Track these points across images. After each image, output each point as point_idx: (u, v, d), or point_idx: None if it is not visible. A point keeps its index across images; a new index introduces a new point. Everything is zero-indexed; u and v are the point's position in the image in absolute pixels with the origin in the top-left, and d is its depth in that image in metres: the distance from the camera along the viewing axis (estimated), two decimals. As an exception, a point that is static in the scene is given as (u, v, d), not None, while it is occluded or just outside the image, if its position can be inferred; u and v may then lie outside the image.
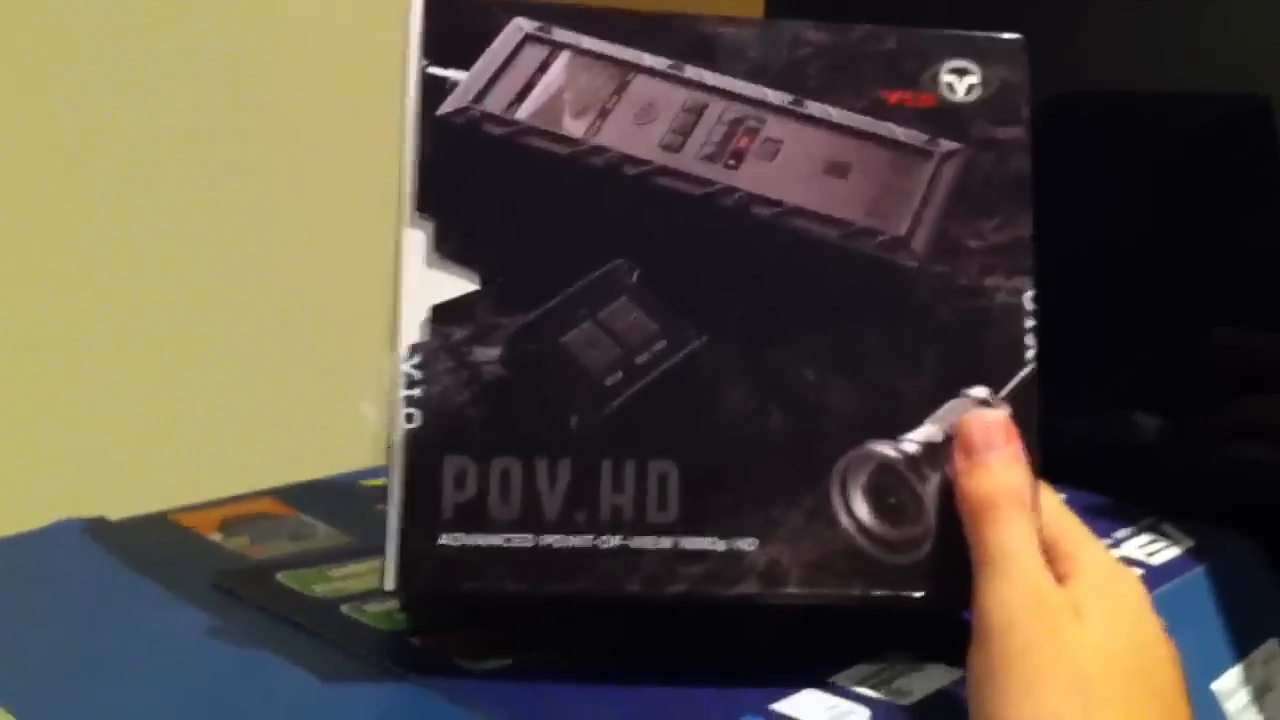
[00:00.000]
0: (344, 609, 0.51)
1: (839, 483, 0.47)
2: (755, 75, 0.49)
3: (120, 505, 0.56)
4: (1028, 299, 0.48)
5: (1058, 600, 0.43)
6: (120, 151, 0.74)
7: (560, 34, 0.48)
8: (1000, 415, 0.46)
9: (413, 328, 0.46)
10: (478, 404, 0.45)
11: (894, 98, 0.49)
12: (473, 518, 0.45)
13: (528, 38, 0.48)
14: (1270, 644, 0.57)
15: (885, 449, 0.47)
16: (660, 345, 0.47)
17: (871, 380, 0.47)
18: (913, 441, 0.47)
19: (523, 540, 0.45)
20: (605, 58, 0.48)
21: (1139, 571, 0.57)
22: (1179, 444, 0.68)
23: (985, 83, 0.49)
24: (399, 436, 0.45)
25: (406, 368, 0.45)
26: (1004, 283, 0.48)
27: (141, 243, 0.74)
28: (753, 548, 0.46)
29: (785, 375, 0.47)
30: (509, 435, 0.45)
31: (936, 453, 0.47)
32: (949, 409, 0.47)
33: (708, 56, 0.49)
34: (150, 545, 0.55)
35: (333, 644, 0.48)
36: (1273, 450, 0.65)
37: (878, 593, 0.46)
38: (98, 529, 0.55)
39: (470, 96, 0.47)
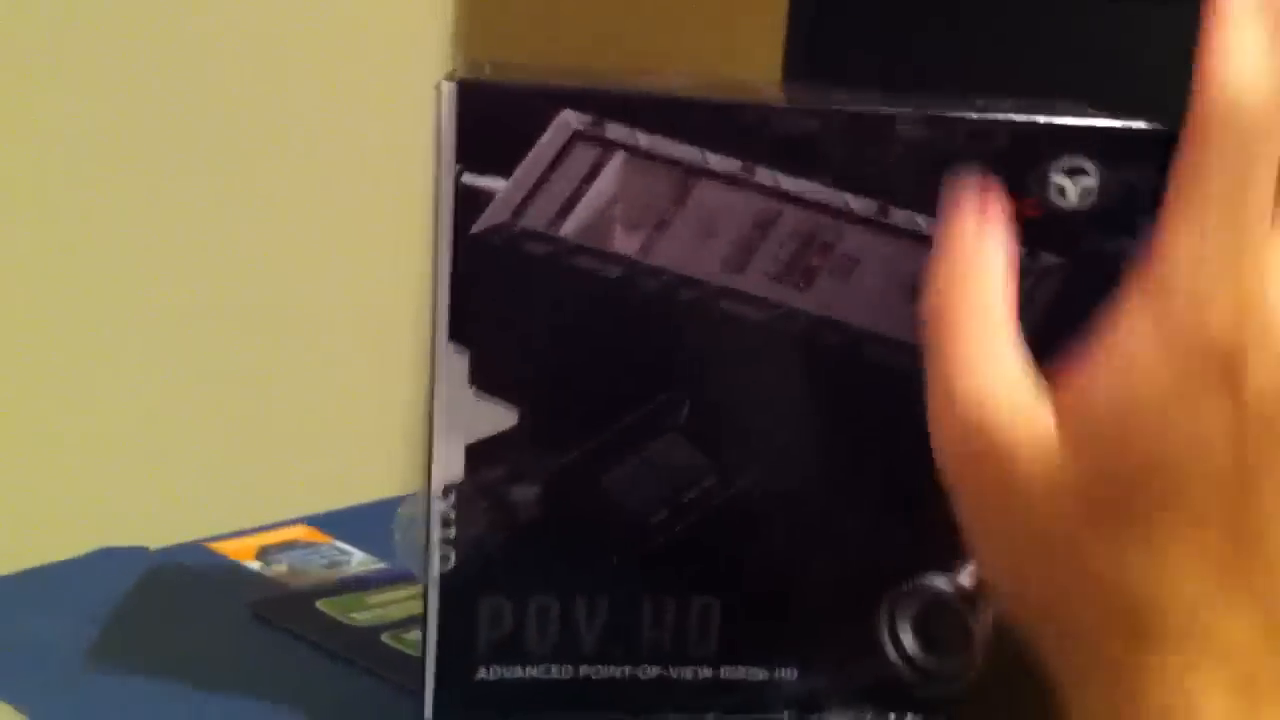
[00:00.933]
0: (384, 637, 0.51)
1: (887, 615, 0.46)
2: (837, 178, 0.42)
3: (158, 534, 0.55)
4: (1112, 431, 0.45)
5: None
6: (165, 178, 0.67)
7: (614, 130, 0.42)
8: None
9: (447, 466, 0.43)
10: (515, 545, 0.44)
11: (995, 205, 0.43)
12: (509, 652, 0.45)
13: (576, 135, 0.42)
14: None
15: (939, 583, 0.45)
16: (709, 482, 0.44)
17: (926, 514, 0.45)
18: (968, 575, 0.45)
19: (560, 672, 0.45)
20: (665, 160, 0.42)
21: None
22: None
23: (1103, 186, 0.43)
24: (434, 576, 0.44)
25: (441, 508, 0.43)
26: (1089, 415, 0.44)
27: (181, 271, 0.69)
28: (793, 677, 0.46)
29: (838, 512, 0.45)
30: (547, 575, 0.44)
31: (989, 586, 0.46)
32: None
33: (783, 155, 0.42)
34: (189, 573, 0.55)
35: (373, 673, 0.49)
36: None
37: (916, 718, 0.46)
38: (137, 557, 0.55)
39: (510, 211, 0.42)
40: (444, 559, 0.44)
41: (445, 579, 0.44)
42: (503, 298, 0.42)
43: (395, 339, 0.78)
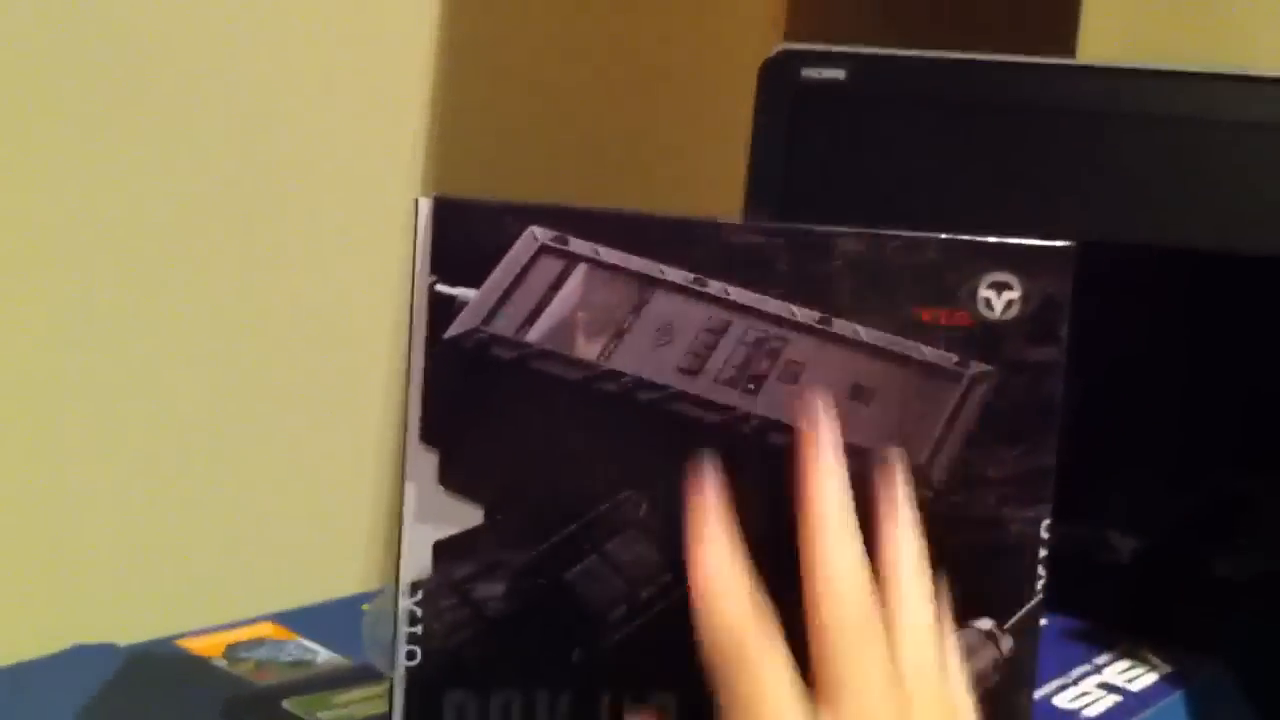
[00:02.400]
0: (347, 737, 0.52)
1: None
2: (783, 290, 0.46)
3: (126, 630, 0.56)
4: (1043, 528, 0.47)
5: None
6: (116, 251, 0.70)
7: (576, 245, 0.45)
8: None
9: (415, 563, 0.45)
10: (479, 641, 0.45)
11: (928, 315, 0.46)
12: None
13: (543, 249, 0.45)
14: (1249, 769, 0.60)
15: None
16: (665, 578, 0.46)
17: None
18: (912, 671, 0.47)
19: None
20: (624, 271, 0.45)
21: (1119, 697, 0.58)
22: (1156, 564, 0.69)
23: (1025, 298, 0.47)
24: (400, 673, 0.45)
25: (408, 604, 0.45)
26: (1020, 513, 0.47)
27: (150, 365, 0.71)
28: (747, 774, 0.47)
29: (792, 607, 0.46)
30: (510, 669, 0.46)
31: (935, 680, 0.47)
32: (953, 641, 0.47)
33: (734, 268, 0.46)
34: (158, 671, 0.56)
35: None
36: (1256, 573, 0.66)
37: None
38: (106, 654, 0.56)
39: (480, 318, 0.45)
40: (410, 654, 0.45)
41: (411, 674, 0.45)
42: (471, 400, 0.44)
43: (361, 440, 0.79)
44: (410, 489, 0.44)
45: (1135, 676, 0.60)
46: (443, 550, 0.45)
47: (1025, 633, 0.48)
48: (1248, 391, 0.68)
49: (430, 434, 0.44)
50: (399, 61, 0.80)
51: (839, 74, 0.62)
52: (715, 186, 0.75)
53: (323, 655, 0.58)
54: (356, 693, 0.54)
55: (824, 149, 0.65)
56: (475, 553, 0.45)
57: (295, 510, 0.77)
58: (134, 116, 0.69)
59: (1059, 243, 0.47)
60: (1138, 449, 0.69)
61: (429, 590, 0.45)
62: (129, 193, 0.69)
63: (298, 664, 0.57)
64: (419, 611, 0.45)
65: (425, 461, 0.44)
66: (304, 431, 0.77)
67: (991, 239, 0.47)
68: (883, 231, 0.46)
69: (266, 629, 0.59)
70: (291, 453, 0.77)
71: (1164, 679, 0.60)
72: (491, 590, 0.45)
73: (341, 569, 0.77)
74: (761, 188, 0.66)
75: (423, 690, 0.45)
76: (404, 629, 0.45)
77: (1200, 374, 0.69)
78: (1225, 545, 0.67)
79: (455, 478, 0.45)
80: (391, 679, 0.45)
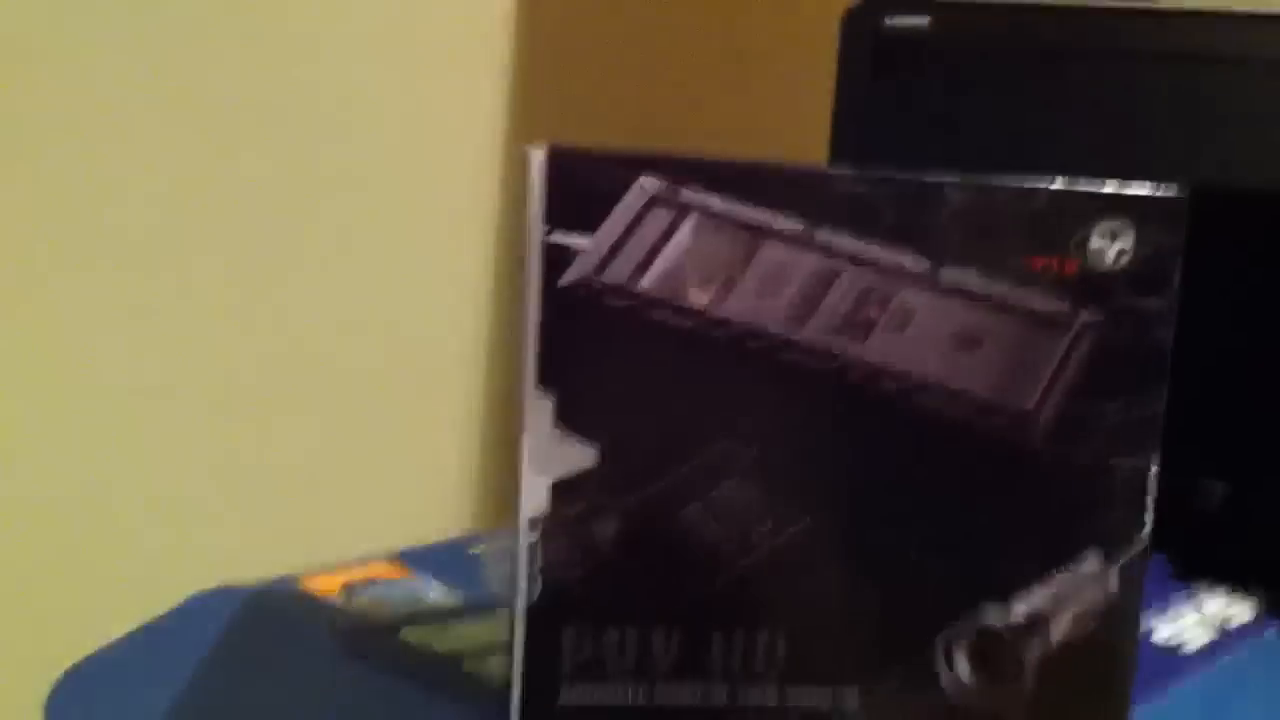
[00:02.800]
0: (466, 664, 0.54)
1: (943, 646, 0.48)
2: (892, 239, 0.46)
3: (245, 574, 0.59)
4: (1151, 476, 0.48)
5: None
6: (217, 201, 0.72)
7: (687, 194, 0.46)
8: None
9: (534, 501, 0.47)
10: (594, 578, 0.47)
11: (1038, 264, 0.47)
12: (590, 679, 0.48)
13: (654, 199, 0.46)
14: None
15: (992, 617, 0.48)
16: (766, 526, 0.47)
17: (980, 558, 0.48)
18: (1020, 612, 0.48)
19: (637, 696, 0.48)
20: (734, 221, 0.46)
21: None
22: (1248, 511, 0.68)
23: (1137, 246, 0.47)
24: (521, 605, 0.47)
25: (527, 540, 0.47)
26: (1128, 461, 0.48)
27: (255, 313, 0.73)
28: (855, 704, 0.49)
29: (891, 553, 0.48)
30: (624, 606, 0.47)
31: (1041, 622, 0.48)
32: (1060, 580, 0.48)
33: (843, 218, 0.46)
34: (278, 610, 0.58)
35: (457, 699, 0.52)
36: None
37: (970, 745, 0.49)
38: (226, 599, 0.59)
39: (592, 267, 0.46)
40: (531, 589, 0.47)
41: (532, 607, 0.47)
42: (585, 346, 0.46)
43: (470, 389, 0.81)
44: (528, 430, 0.46)
45: (1231, 615, 0.60)
46: (559, 489, 0.46)
47: (1131, 576, 0.48)
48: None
49: (546, 378, 0.46)
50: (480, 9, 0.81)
51: (922, 22, 0.61)
52: (800, 138, 0.75)
53: (435, 591, 0.60)
54: (470, 624, 0.57)
55: (907, 98, 0.65)
56: (589, 493, 0.47)
57: (405, 453, 0.79)
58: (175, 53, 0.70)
59: (1172, 191, 0.47)
60: (1233, 395, 0.68)
61: (547, 528, 0.47)
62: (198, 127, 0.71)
63: (412, 599, 0.59)
64: (538, 548, 0.47)
65: (542, 404, 0.46)
66: (412, 378, 0.79)
67: (1104, 188, 0.47)
68: (993, 181, 0.46)
69: (381, 568, 0.62)
70: (400, 399, 0.79)
71: (1259, 617, 0.60)
72: (605, 529, 0.47)
73: (450, 510, 0.79)
74: (845, 138, 0.66)
75: (543, 623, 0.47)
76: (524, 564, 0.47)
77: None
78: None
79: (570, 420, 0.46)
80: (511, 611, 0.47)
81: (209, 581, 0.58)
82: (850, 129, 0.66)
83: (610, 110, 0.88)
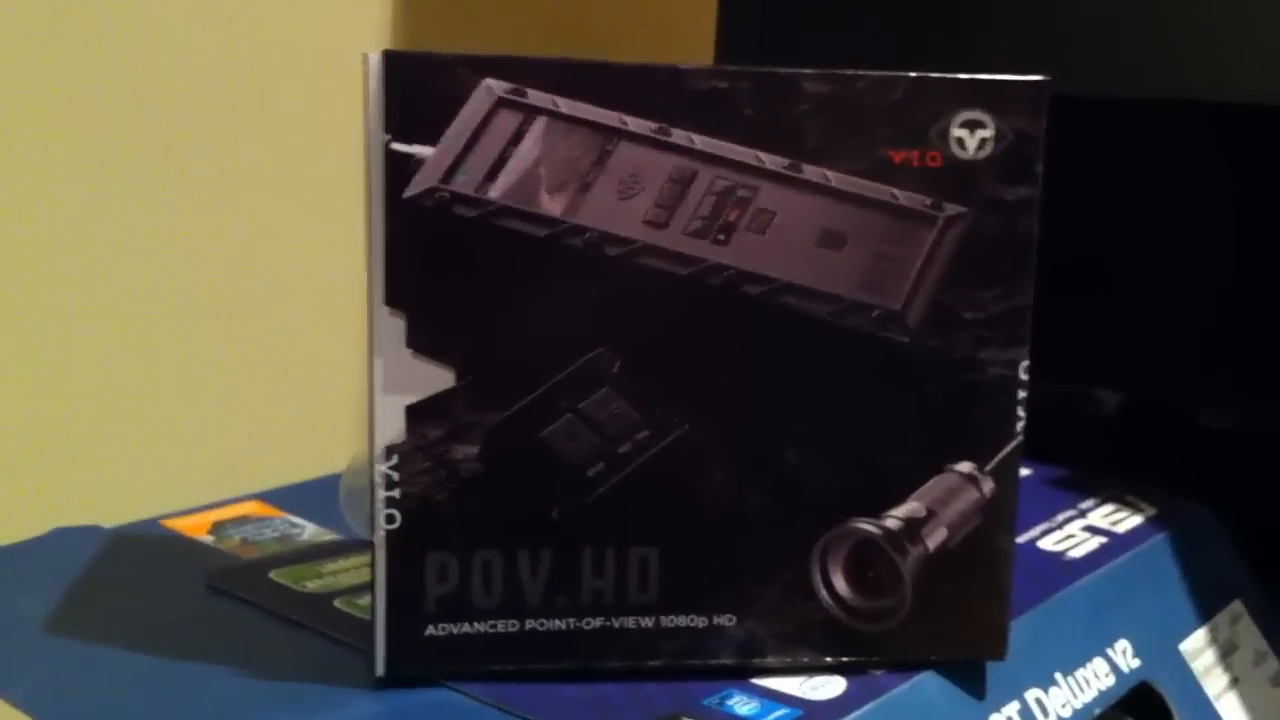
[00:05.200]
0: (337, 603, 0.52)
1: (819, 558, 0.47)
2: (751, 135, 0.45)
3: (110, 514, 0.56)
4: (1022, 369, 0.47)
5: None
6: (112, 152, 0.69)
7: (535, 97, 0.44)
8: None
9: (388, 428, 0.45)
10: (457, 501, 0.45)
11: (899, 157, 0.45)
12: (456, 608, 0.46)
13: (500, 102, 0.44)
14: (1234, 605, 0.60)
15: (867, 525, 0.47)
16: (643, 434, 0.46)
17: (856, 458, 0.47)
18: (894, 518, 0.47)
19: (507, 625, 0.46)
20: (585, 123, 0.44)
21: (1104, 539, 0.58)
22: (1141, 417, 0.68)
23: (998, 136, 0.46)
24: (380, 536, 0.45)
25: (383, 469, 0.45)
26: (999, 355, 0.47)
27: (129, 254, 0.70)
28: (731, 622, 0.47)
29: (769, 457, 0.46)
30: (489, 530, 0.46)
31: (918, 528, 0.47)
32: (934, 484, 0.47)
33: (698, 115, 0.44)
34: (144, 549, 0.56)
35: (328, 637, 0.50)
36: (1237, 420, 0.65)
37: (851, 659, 0.48)
38: (91, 536, 0.56)
39: (438, 175, 0.44)
40: (389, 518, 0.45)
41: (391, 537, 0.45)
42: (435, 260, 0.44)
43: (336, 317, 0.79)
44: (379, 353, 0.44)
45: (1120, 520, 0.60)
46: (415, 414, 0.44)
47: (1006, 475, 0.47)
48: (1230, 239, 0.67)
49: (395, 297, 0.44)
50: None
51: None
52: (684, 35, 0.73)
53: (308, 530, 0.58)
54: (342, 562, 0.55)
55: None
56: (448, 415, 0.44)
57: (275, 389, 0.77)
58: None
59: (1032, 78, 0.45)
60: (1121, 301, 0.68)
61: (403, 454, 0.44)
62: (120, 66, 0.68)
63: (284, 539, 0.57)
64: (395, 475, 0.45)
65: (392, 325, 0.44)
66: (281, 314, 0.77)
67: (963, 76, 0.45)
68: (851, 71, 0.45)
69: (251, 507, 0.59)
70: (269, 331, 0.76)
71: (1148, 521, 0.60)
72: (466, 451, 0.45)
73: (323, 447, 0.77)
74: (732, 32, 0.64)
75: (403, 552, 0.45)
76: (381, 493, 0.45)
77: (1182, 224, 0.68)
78: (1209, 395, 0.67)
79: (423, 340, 0.44)
80: (372, 543, 0.45)
81: (76, 518, 0.55)
82: (737, 23, 0.64)
83: (492, 24, 0.86)
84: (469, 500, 0.45)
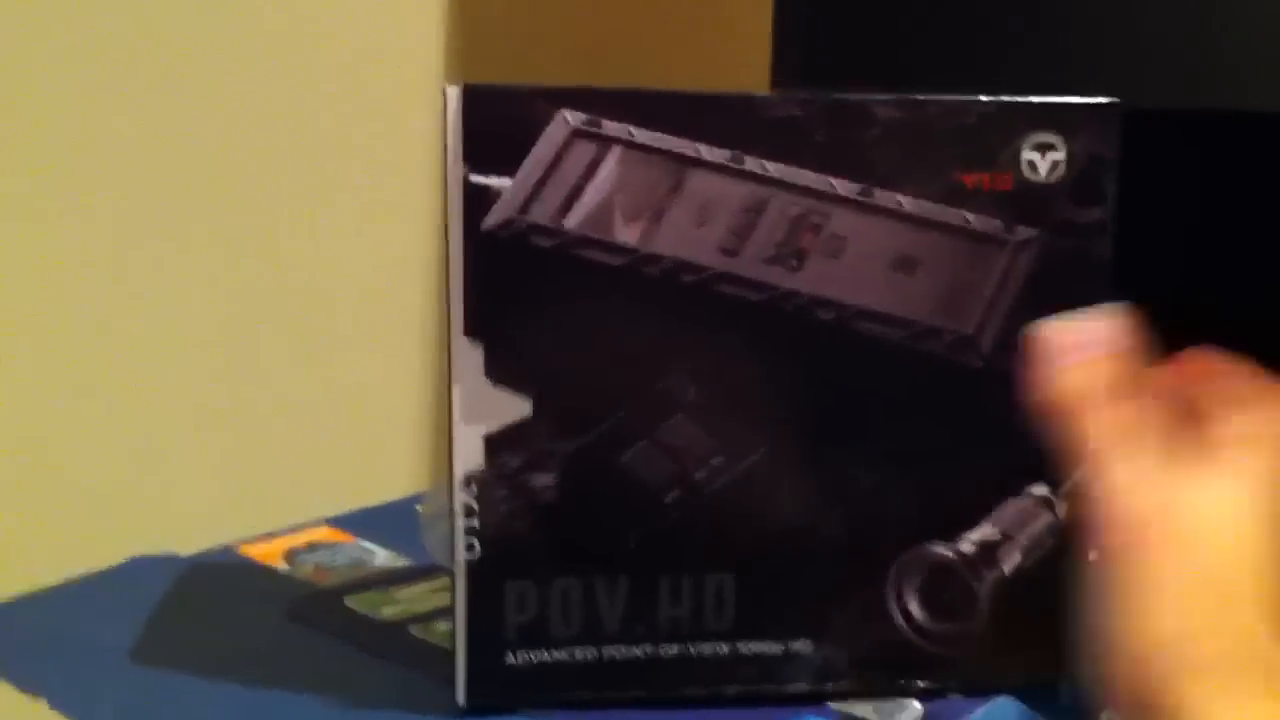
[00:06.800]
0: (412, 629, 0.53)
1: (894, 582, 0.47)
2: (822, 162, 0.45)
3: (184, 541, 0.57)
4: (1096, 392, 0.47)
5: (1165, 481, 0.40)
6: (185, 185, 0.70)
7: (609, 127, 0.44)
8: (1074, 325, 0.43)
9: (468, 457, 0.45)
10: (535, 530, 0.46)
11: (971, 180, 0.46)
12: (536, 636, 0.46)
13: (575, 133, 0.44)
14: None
15: (942, 550, 0.47)
16: (718, 460, 0.46)
17: (930, 481, 0.47)
18: (970, 541, 0.47)
19: (585, 654, 0.46)
20: (659, 152, 0.45)
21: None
22: None
23: (1070, 159, 0.46)
24: (460, 565, 0.45)
25: (463, 498, 0.45)
26: (1073, 378, 0.47)
27: (198, 278, 0.71)
28: (808, 649, 0.47)
29: (842, 481, 0.47)
30: (567, 557, 0.46)
31: (993, 551, 0.48)
32: (1008, 507, 0.47)
33: (770, 142, 0.45)
34: (220, 577, 0.56)
35: (407, 666, 0.50)
36: None
37: (928, 684, 0.48)
38: (168, 564, 0.57)
39: (516, 206, 0.44)
40: (469, 547, 0.45)
41: (471, 566, 0.45)
42: (513, 290, 0.44)
43: (406, 341, 0.79)
44: (458, 382, 0.44)
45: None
46: (494, 443, 0.45)
47: (1080, 497, 0.47)
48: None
49: (474, 327, 0.44)
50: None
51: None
52: (738, 63, 0.74)
53: (380, 555, 0.58)
54: (416, 588, 0.55)
55: (849, 12, 0.64)
56: (526, 443, 0.45)
57: (346, 414, 0.77)
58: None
59: (1104, 100, 0.46)
60: (1179, 317, 0.68)
61: (483, 483, 0.45)
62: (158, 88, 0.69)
63: (356, 564, 0.57)
64: (474, 504, 0.45)
65: (471, 355, 0.44)
66: (349, 337, 0.77)
67: (1034, 99, 0.46)
68: (921, 96, 0.45)
69: (323, 533, 0.60)
70: (340, 357, 0.77)
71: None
72: (544, 480, 0.45)
73: (393, 471, 0.77)
74: (787, 61, 0.64)
75: (483, 581, 0.45)
76: (461, 522, 0.45)
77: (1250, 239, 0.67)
78: None
79: (502, 370, 0.45)
80: (452, 572, 0.45)
81: (150, 544, 0.56)
82: (791, 51, 0.65)
83: (549, 48, 0.86)
84: (548, 528, 0.45)
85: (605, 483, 0.46)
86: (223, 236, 0.72)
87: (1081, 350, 0.42)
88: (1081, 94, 0.47)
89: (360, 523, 0.61)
